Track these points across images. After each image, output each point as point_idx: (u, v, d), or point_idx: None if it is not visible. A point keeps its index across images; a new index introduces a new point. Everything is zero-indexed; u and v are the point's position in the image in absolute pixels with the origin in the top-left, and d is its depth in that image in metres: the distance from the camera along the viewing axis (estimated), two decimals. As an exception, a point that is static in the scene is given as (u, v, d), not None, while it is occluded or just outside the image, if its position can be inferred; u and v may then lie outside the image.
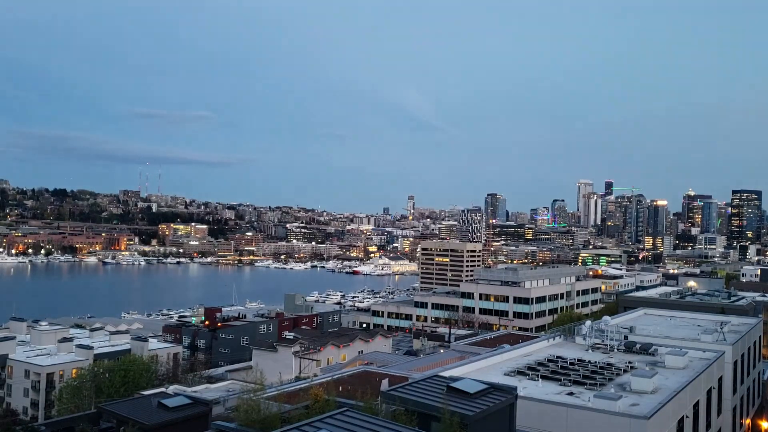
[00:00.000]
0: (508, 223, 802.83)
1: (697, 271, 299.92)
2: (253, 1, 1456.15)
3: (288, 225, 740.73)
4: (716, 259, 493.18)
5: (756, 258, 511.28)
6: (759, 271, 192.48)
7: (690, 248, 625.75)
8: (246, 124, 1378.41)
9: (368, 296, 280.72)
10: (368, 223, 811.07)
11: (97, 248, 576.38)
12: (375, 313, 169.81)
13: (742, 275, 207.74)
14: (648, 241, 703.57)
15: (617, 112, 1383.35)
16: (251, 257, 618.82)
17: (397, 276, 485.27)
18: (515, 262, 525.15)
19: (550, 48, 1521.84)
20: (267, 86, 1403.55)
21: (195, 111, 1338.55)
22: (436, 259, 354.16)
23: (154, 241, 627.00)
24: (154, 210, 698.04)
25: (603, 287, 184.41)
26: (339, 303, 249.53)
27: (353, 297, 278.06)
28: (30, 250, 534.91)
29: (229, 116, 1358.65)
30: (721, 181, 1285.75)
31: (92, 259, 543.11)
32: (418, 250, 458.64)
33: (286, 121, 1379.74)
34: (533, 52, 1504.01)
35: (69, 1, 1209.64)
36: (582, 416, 30.62)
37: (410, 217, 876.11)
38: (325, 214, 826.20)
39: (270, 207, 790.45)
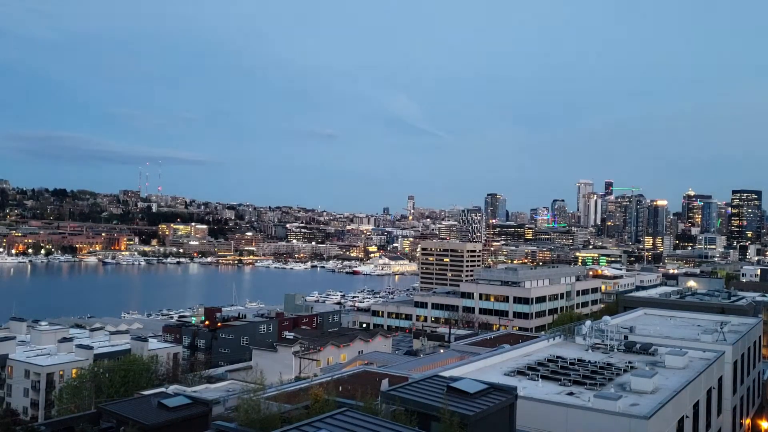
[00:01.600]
0: (508, 223, 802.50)
1: (697, 271, 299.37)
2: (254, 5, 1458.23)
3: (288, 225, 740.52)
4: (716, 259, 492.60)
5: (756, 258, 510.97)
6: (759, 271, 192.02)
7: (690, 248, 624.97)
8: (245, 124, 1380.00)
9: (368, 296, 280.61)
10: (368, 223, 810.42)
11: (97, 248, 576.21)
12: (375, 313, 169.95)
13: (742, 275, 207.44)
14: (648, 241, 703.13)
15: (617, 112, 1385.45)
16: (251, 257, 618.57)
17: (397, 276, 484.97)
18: (515, 262, 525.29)
19: (549, 49, 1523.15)
20: (265, 87, 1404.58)
21: (195, 112, 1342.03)
22: (436, 259, 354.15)
23: (154, 241, 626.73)
24: (154, 210, 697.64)
25: (603, 287, 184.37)
26: (339, 303, 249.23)
27: (353, 297, 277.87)
28: (30, 250, 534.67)
29: (228, 117, 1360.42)
30: (721, 181, 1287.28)
31: (92, 259, 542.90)
32: (418, 250, 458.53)
33: (285, 121, 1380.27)
34: (531, 53, 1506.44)
35: (69, 6, 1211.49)
36: (582, 416, 30.60)
37: (410, 217, 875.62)
38: (325, 214, 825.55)
39: (270, 207, 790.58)
